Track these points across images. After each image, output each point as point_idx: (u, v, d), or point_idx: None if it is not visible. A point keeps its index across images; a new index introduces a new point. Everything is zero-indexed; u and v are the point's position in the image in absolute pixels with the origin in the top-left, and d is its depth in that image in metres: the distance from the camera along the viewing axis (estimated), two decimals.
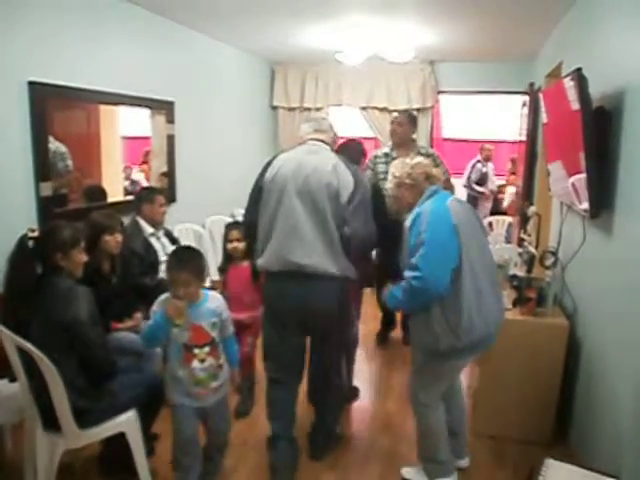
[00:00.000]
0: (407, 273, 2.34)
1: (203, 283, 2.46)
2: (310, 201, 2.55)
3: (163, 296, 2.45)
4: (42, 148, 3.26)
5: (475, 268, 2.36)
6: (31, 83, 3.14)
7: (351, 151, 3.46)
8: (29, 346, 2.16)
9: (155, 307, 2.45)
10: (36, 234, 2.50)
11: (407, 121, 4.23)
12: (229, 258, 3.45)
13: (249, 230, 2.84)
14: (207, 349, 2.42)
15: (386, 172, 3.94)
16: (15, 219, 3.09)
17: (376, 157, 4.30)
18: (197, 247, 2.61)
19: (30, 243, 2.47)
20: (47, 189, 3.30)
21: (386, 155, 4.24)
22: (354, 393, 3.68)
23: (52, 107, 3.35)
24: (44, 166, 3.29)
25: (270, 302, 2.76)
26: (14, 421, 2.71)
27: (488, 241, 2.65)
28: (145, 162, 5.47)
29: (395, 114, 4.41)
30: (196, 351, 2.40)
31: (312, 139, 2.75)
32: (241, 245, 3.31)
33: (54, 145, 3.54)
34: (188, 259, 2.38)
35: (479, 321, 2.35)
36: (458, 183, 7.17)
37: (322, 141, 2.75)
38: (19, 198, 3.18)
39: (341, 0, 3.83)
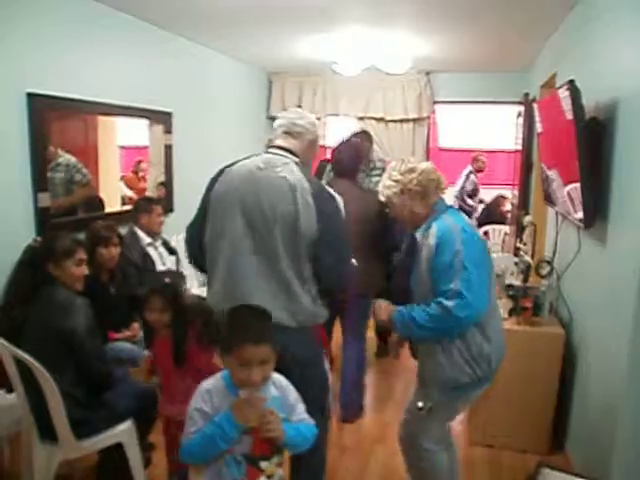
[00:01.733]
0: (446, 302, 2.00)
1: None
2: (258, 233, 2.06)
3: (210, 385, 1.71)
4: (41, 159, 3.27)
5: (491, 288, 2.17)
6: (30, 95, 3.15)
7: (342, 155, 3.40)
8: (26, 357, 2.16)
9: (205, 406, 1.66)
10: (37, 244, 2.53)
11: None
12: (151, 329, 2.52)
13: (192, 252, 2.32)
14: (276, 459, 1.73)
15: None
16: (14, 229, 3.10)
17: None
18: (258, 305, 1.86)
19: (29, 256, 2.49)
20: (45, 200, 3.31)
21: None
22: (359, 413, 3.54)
23: (50, 118, 3.37)
24: (42, 177, 3.30)
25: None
26: (11, 432, 2.71)
27: None
28: (135, 172, 5.51)
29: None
30: (263, 465, 1.69)
31: (276, 146, 2.21)
32: (165, 317, 2.33)
33: (64, 158, 3.60)
34: (262, 326, 1.70)
35: (501, 344, 2.20)
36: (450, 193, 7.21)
37: (288, 150, 2.18)
38: (18, 209, 3.19)
39: (338, 12, 3.87)
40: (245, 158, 2.19)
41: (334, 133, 7.24)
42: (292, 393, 1.77)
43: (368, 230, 3.23)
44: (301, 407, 1.77)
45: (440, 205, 2.21)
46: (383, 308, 2.25)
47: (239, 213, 2.07)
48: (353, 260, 2.29)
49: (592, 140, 2.59)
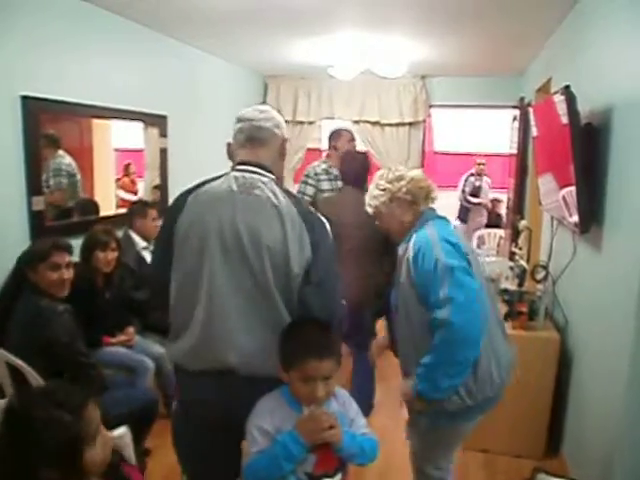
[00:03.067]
0: (439, 313, 1.81)
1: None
2: (244, 272, 1.67)
3: (270, 402, 1.62)
4: (35, 162, 3.25)
5: (484, 308, 1.91)
6: (24, 97, 3.14)
7: (354, 166, 3.35)
8: (19, 362, 2.15)
9: (265, 424, 1.57)
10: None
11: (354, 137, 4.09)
12: None
13: (157, 295, 1.89)
14: (339, 477, 1.64)
15: (332, 190, 3.89)
16: (8, 234, 3.08)
17: (317, 174, 3.98)
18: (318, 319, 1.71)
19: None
20: (39, 203, 3.29)
21: (327, 172, 3.98)
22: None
23: (45, 121, 3.35)
24: (37, 180, 3.28)
25: (184, 406, 1.86)
26: None
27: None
28: (126, 175, 5.45)
29: (346, 130, 4.16)
30: None
31: (245, 162, 1.79)
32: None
33: (66, 159, 3.61)
34: (326, 339, 1.60)
35: (495, 370, 1.96)
36: (450, 197, 7.25)
37: (259, 166, 1.77)
38: (12, 212, 3.17)
39: (334, 15, 3.87)
40: (209, 180, 1.80)
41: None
42: (352, 407, 1.70)
43: (378, 238, 3.23)
44: (362, 421, 1.69)
45: (427, 215, 2.06)
46: (405, 393, 2.01)
47: (219, 252, 1.68)
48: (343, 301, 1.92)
49: (587, 146, 2.60)
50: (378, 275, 3.17)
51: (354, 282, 2.87)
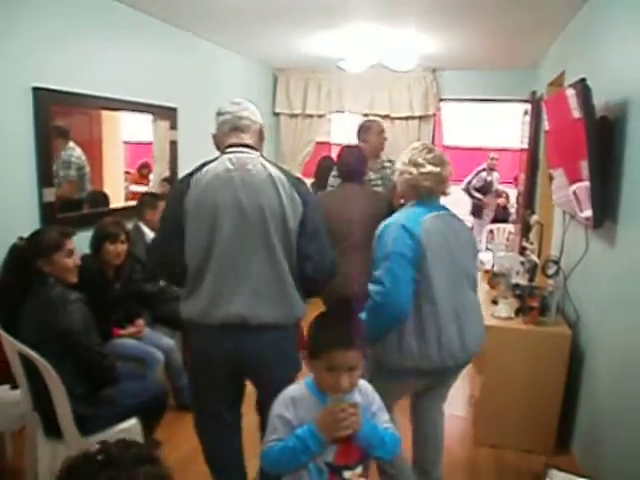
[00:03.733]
0: (370, 286, 2.13)
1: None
2: (252, 233, 1.98)
3: (294, 392, 1.66)
4: (45, 154, 3.26)
5: (436, 296, 2.13)
6: (35, 89, 3.14)
7: (350, 161, 3.34)
8: (31, 352, 2.15)
9: (287, 414, 1.60)
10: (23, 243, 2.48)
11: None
12: None
13: (161, 269, 2.29)
14: (360, 469, 1.65)
15: None
16: (19, 225, 3.08)
17: None
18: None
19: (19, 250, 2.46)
20: (50, 195, 3.30)
21: None
22: None
23: (55, 113, 3.36)
24: (47, 172, 3.29)
25: (199, 358, 2.18)
26: (15, 428, 2.70)
27: (471, 267, 2.36)
28: (139, 171, 5.35)
29: (375, 122, 4.14)
30: (347, 475, 1.63)
31: (233, 145, 2.11)
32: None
33: (76, 151, 3.61)
34: (348, 329, 1.62)
35: (425, 348, 2.14)
36: (459, 191, 7.22)
37: (246, 146, 2.10)
38: (22, 204, 3.18)
39: (345, 8, 3.84)
40: (206, 163, 2.09)
41: (339, 130, 7.27)
42: (375, 400, 1.71)
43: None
44: (385, 416, 1.70)
45: (416, 202, 2.27)
46: None
47: (229, 220, 1.98)
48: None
49: (602, 139, 2.57)
50: None
51: (359, 276, 2.86)
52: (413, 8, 3.80)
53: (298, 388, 1.66)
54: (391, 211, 2.93)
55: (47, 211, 3.28)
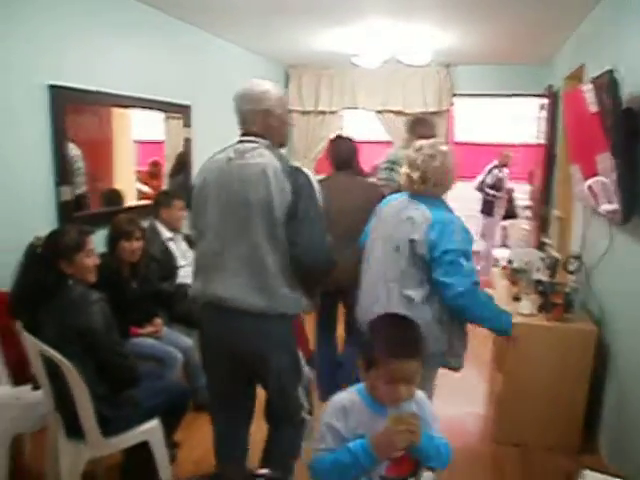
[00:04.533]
0: (466, 279, 2.24)
1: None
2: (235, 220, 2.05)
3: (345, 400, 1.58)
4: (61, 152, 3.24)
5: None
6: (51, 87, 3.12)
7: (342, 151, 3.41)
8: (53, 352, 2.13)
9: (337, 423, 1.53)
10: (42, 242, 2.44)
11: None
12: None
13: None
14: None
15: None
16: (35, 223, 3.06)
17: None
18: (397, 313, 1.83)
19: (38, 251, 2.42)
20: (67, 193, 3.28)
21: None
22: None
23: (70, 110, 3.33)
24: (64, 170, 3.27)
25: (201, 336, 2.35)
26: (35, 429, 2.66)
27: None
28: (150, 171, 5.18)
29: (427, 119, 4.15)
30: None
31: (242, 134, 2.17)
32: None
33: (73, 150, 3.54)
34: (411, 337, 1.55)
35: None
36: (469, 187, 7.12)
37: (254, 134, 2.12)
38: (39, 202, 3.17)
39: (358, 4, 3.81)
40: (219, 151, 2.19)
41: (353, 126, 7.22)
42: (429, 409, 1.65)
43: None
44: (437, 425, 1.64)
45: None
46: None
47: (216, 206, 2.09)
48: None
49: (628, 132, 2.51)
50: None
51: (348, 267, 2.79)
52: (429, 3, 3.75)
53: (349, 396, 1.58)
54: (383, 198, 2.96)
55: (64, 210, 3.26)
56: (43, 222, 3.12)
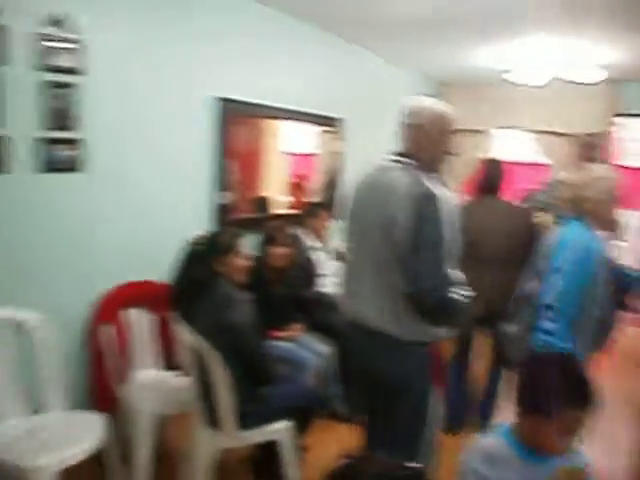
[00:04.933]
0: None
1: None
2: (366, 241, 2.03)
3: (489, 445, 1.47)
4: (221, 160, 3.50)
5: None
6: (220, 99, 3.38)
7: (492, 175, 3.35)
8: (203, 342, 2.27)
9: (483, 469, 1.42)
10: (199, 241, 2.63)
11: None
12: None
13: None
14: None
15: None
16: (196, 223, 3.31)
17: None
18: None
19: (195, 249, 2.61)
20: (222, 198, 3.53)
21: None
22: None
23: (230, 121, 3.56)
24: (222, 174, 3.52)
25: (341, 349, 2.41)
26: (175, 413, 2.82)
27: None
28: (297, 184, 5.29)
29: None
30: None
31: (393, 151, 2.10)
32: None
33: None
34: (589, 381, 1.39)
35: None
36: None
37: (405, 151, 2.04)
38: (202, 205, 3.44)
39: (522, 20, 3.68)
40: (369, 168, 2.16)
41: (506, 148, 6.92)
42: (585, 459, 1.48)
43: (517, 244, 3.10)
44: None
45: None
46: None
47: (355, 224, 2.12)
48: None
49: None
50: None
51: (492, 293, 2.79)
52: (595, 17, 3.50)
53: (494, 442, 1.45)
54: (530, 223, 2.93)
55: (222, 213, 3.52)
56: (202, 223, 3.37)
